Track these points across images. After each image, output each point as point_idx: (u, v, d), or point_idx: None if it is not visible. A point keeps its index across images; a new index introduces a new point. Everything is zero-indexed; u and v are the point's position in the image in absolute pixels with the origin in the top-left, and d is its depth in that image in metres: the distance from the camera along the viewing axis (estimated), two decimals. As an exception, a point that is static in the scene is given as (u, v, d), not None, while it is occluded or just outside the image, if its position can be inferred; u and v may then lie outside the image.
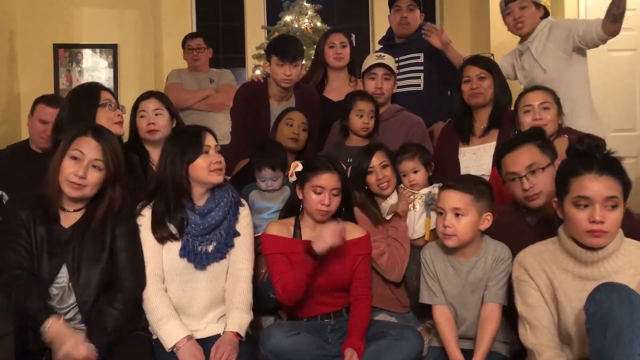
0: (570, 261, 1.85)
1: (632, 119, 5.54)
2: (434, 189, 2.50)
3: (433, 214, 2.44)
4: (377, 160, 2.54)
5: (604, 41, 3.05)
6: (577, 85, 3.07)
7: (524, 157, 2.19)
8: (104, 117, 2.43)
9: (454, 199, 2.07)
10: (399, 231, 2.49)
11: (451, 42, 3.33)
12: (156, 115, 2.62)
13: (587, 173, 1.76)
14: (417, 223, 2.53)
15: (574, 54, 3.10)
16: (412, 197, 2.52)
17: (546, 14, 3.22)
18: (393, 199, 2.57)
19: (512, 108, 2.84)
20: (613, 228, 1.76)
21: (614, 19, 2.88)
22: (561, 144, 2.39)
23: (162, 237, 2.17)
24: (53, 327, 1.91)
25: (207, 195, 2.25)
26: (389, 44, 3.62)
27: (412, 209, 2.54)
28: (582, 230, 1.76)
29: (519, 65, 3.25)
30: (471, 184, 2.11)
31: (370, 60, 3.13)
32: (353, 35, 3.55)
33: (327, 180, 2.28)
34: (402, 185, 2.59)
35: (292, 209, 2.43)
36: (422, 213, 2.53)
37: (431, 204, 2.47)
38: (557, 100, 2.64)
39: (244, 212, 2.32)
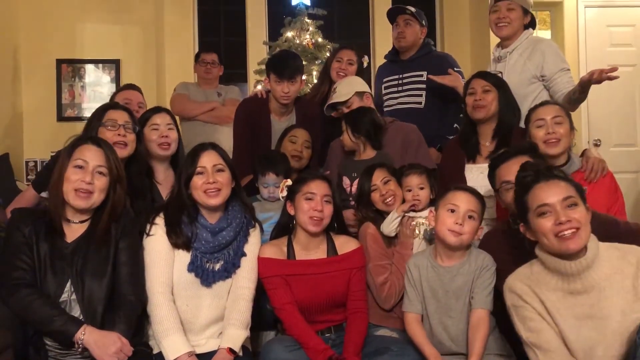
0: (559, 279, 1.84)
1: (632, 134, 5.56)
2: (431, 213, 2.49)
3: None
4: (378, 177, 2.53)
5: None
6: None
7: (517, 165, 2.20)
8: (102, 137, 2.43)
9: (471, 201, 2.14)
10: (402, 260, 2.43)
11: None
12: (169, 129, 2.64)
13: (536, 184, 1.85)
14: (420, 249, 2.49)
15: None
16: (413, 223, 2.49)
17: (532, 22, 3.17)
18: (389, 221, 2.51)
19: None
20: (582, 225, 1.78)
21: (571, 102, 2.86)
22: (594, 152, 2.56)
23: (176, 243, 2.18)
24: (90, 334, 1.93)
25: (220, 213, 2.27)
26: (394, 59, 3.65)
27: (416, 234, 2.50)
28: (552, 236, 1.79)
29: (493, 70, 3.19)
30: (480, 194, 2.22)
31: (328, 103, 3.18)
32: (366, 57, 3.57)
33: (317, 186, 2.32)
34: (399, 212, 2.51)
35: (284, 229, 2.43)
36: (422, 242, 2.50)
37: (431, 239, 2.45)
38: (568, 115, 2.60)
39: (254, 233, 2.34)
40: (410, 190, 2.54)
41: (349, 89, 3.06)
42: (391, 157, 2.84)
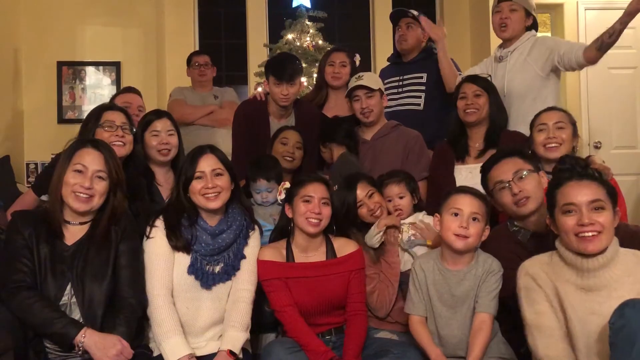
0: (572, 273, 1.88)
1: (632, 136, 5.56)
2: (418, 217, 2.50)
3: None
4: (362, 192, 2.50)
5: (580, 67, 3.09)
6: (551, 103, 3.01)
7: (509, 165, 2.28)
8: (100, 138, 2.42)
9: (474, 203, 2.13)
10: (390, 268, 2.44)
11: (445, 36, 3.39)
12: (169, 135, 2.64)
13: (568, 182, 1.88)
14: (404, 256, 2.50)
15: (551, 74, 3.10)
16: (396, 232, 2.48)
17: (534, 24, 3.21)
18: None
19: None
20: (604, 229, 1.81)
21: (600, 46, 2.88)
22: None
23: (176, 245, 2.19)
24: (90, 337, 1.94)
25: (220, 216, 2.27)
26: (396, 61, 3.67)
27: (400, 240, 2.50)
28: (573, 235, 1.83)
29: (493, 71, 3.22)
30: (483, 195, 2.22)
31: (350, 85, 3.15)
32: (357, 56, 3.56)
33: (315, 189, 2.32)
34: (381, 226, 2.48)
35: (282, 232, 2.43)
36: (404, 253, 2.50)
37: (411, 247, 2.46)
38: (572, 122, 2.61)
39: (254, 235, 2.34)
40: (390, 200, 2.55)
41: (378, 82, 3.14)
42: (354, 159, 2.88)
